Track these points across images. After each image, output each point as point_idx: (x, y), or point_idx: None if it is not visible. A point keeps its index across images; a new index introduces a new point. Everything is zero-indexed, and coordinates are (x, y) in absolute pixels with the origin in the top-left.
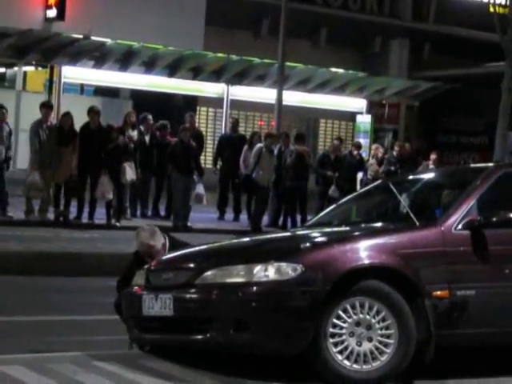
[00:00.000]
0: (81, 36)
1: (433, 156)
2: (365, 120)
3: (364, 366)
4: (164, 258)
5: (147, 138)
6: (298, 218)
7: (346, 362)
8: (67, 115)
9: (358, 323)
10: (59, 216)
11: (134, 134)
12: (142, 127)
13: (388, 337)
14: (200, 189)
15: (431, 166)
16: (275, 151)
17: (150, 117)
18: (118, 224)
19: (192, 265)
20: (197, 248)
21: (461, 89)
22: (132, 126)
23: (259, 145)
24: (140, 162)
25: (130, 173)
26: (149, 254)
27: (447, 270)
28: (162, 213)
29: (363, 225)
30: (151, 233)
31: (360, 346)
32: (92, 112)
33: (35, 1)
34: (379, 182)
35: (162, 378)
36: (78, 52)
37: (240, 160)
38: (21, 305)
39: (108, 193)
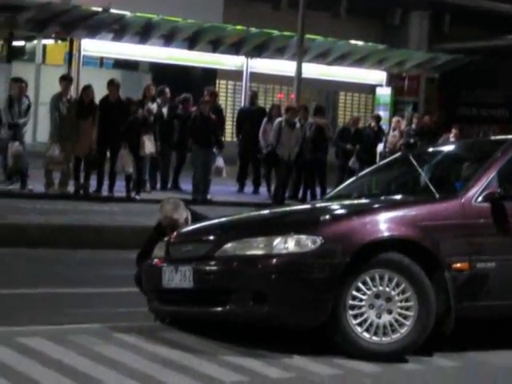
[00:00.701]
0: (100, 9)
1: (454, 130)
2: (384, 92)
3: (383, 338)
4: (184, 230)
5: (165, 111)
6: (318, 190)
7: (366, 334)
8: (88, 88)
9: (377, 295)
10: (79, 189)
11: (154, 106)
12: (159, 100)
13: (408, 309)
14: (220, 162)
15: (452, 140)
16: (297, 124)
17: (168, 90)
18: (137, 197)
19: (212, 237)
20: (216, 220)
21: (481, 61)
22: (151, 99)
23: (279, 119)
24: (159, 136)
25: (149, 146)
26: (171, 228)
27: (467, 242)
28: (183, 186)
29: (383, 197)
30: (175, 206)
31: (379, 318)
32: (112, 85)
33: None
34: (399, 154)
35: (181, 350)
36: (98, 25)
37: (259, 133)
38: (41, 277)
39: (128, 166)
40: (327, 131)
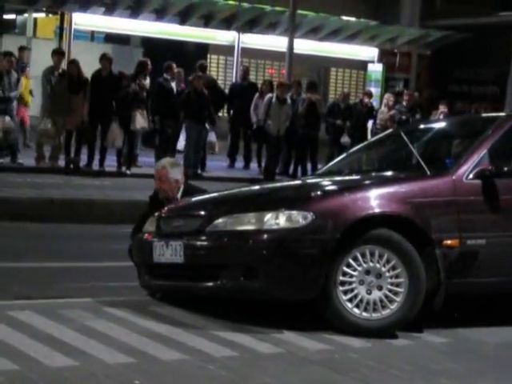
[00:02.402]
0: None
1: (441, 107)
2: (376, 69)
3: (373, 314)
4: (175, 205)
5: (174, 86)
6: (309, 166)
7: (356, 310)
8: (73, 62)
9: (368, 271)
10: (70, 163)
11: (147, 82)
12: (166, 75)
13: (398, 285)
14: (212, 137)
15: (440, 117)
16: (288, 100)
17: (175, 65)
18: (128, 172)
19: (203, 212)
20: (208, 195)
21: (473, 38)
22: (145, 74)
23: (269, 95)
24: (167, 110)
25: (140, 121)
26: (159, 180)
27: (458, 219)
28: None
29: (374, 173)
30: (173, 162)
31: (370, 294)
32: (104, 59)
33: None
34: (391, 130)
35: (172, 325)
36: None
37: (251, 108)
38: (32, 251)
39: (117, 141)
40: (319, 107)
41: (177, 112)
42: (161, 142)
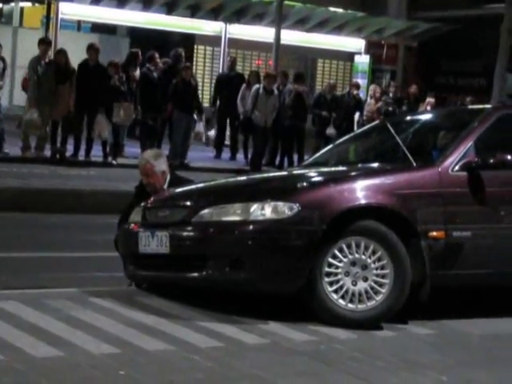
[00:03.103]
0: None
1: (428, 99)
2: (363, 60)
3: (359, 306)
4: (161, 195)
5: (155, 75)
6: (295, 157)
7: (341, 302)
8: (60, 52)
9: (353, 263)
10: (56, 153)
11: (137, 73)
12: (149, 65)
13: (383, 277)
14: (200, 127)
15: (427, 109)
16: (275, 91)
17: (157, 55)
18: (114, 162)
19: (189, 203)
20: (194, 186)
21: (460, 30)
22: (135, 65)
23: (256, 85)
24: (151, 101)
25: (120, 114)
26: (146, 175)
27: (443, 210)
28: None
29: (360, 165)
30: (156, 154)
31: (355, 285)
32: (91, 49)
33: None
34: (377, 122)
35: (158, 315)
36: None
37: (238, 99)
38: (18, 241)
39: (103, 132)
40: (306, 98)
41: (160, 103)
42: (141, 133)
